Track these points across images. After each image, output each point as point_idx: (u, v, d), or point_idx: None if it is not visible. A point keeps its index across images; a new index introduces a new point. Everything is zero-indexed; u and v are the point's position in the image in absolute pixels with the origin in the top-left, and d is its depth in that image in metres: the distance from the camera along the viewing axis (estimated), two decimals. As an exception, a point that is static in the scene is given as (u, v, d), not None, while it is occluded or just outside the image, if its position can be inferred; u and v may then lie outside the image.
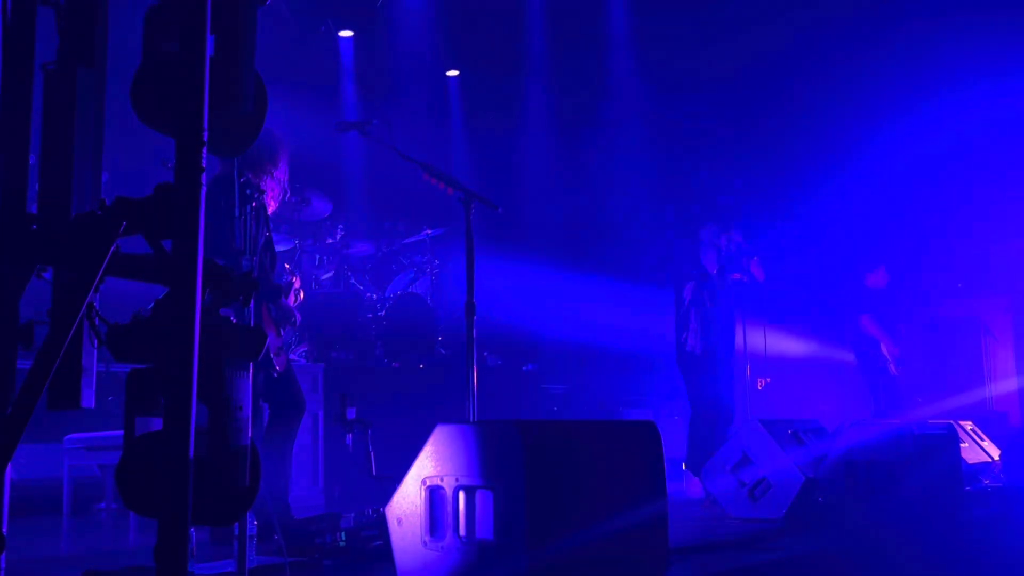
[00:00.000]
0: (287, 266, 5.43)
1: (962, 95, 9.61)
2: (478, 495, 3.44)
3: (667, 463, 3.97)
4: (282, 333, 5.01)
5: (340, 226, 8.95)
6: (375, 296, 9.14)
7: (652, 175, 10.95)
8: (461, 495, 3.50)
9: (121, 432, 2.48)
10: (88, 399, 2.54)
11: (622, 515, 3.64)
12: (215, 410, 2.48)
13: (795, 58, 10.18)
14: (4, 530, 2.43)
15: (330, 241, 8.89)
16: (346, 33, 11.28)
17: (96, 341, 2.50)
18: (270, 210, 5.07)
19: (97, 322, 2.47)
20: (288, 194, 5.28)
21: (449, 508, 3.52)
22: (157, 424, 2.41)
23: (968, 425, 7.58)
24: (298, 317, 5.14)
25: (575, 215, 11.33)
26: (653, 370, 9.53)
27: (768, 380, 9.58)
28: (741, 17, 10.29)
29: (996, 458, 7.33)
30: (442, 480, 3.57)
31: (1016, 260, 9.98)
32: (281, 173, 5.11)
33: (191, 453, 2.27)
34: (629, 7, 11.36)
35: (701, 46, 10.55)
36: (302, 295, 5.26)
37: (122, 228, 2.42)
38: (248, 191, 4.05)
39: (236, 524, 3.58)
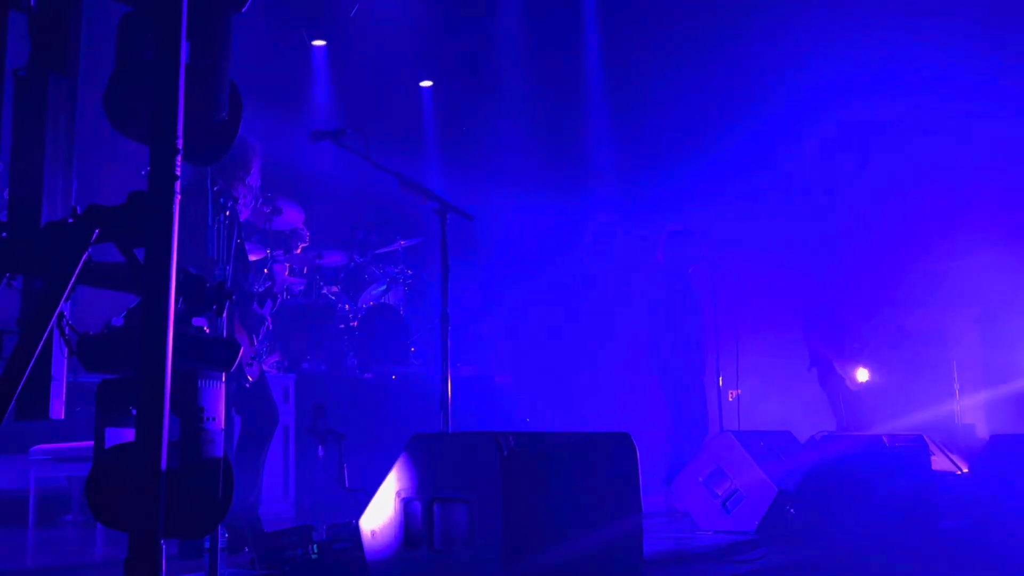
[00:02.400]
0: (265, 271, 5.39)
1: (928, 104, 9.73)
2: (453, 507, 3.42)
3: (641, 474, 3.97)
4: (255, 341, 4.97)
5: (312, 236, 8.90)
6: (348, 306, 9.10)
7: (629, 184, 10.99)
8: (436, 507, 3.48)
9: (90, 443, 2.44)
10: (57, 409, 2.50)
11: (597, 526, 3.63)
12: (187, 421, 2.45)
13: (771, 73, 10.27)
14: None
15: (302, 251, 8.83)
16: (319, 42, 11.25)
17: (66, 351, 2.47)
18: (242, 217, 5.03)
19: (67, 331, 2.44)
20: (260, 201, 5.25)
21: (424, 520, 3.49)
22: (128, 435, 2.37)
23: (937, 437, 7.65)
24: (269, 323, 5.11)
25: (551, 224, 11.34)
26: (628, 380, 9.54)
27: (739, 392, 9.62)
28: (721, 30, 10.38)
29: (965, 470, 7.39)
30: (417, 492, 3.54)
31: (982, 272, 10.09)
32: (253, 180, 5.08)
33: (162, 465, 2.24)
34: (603, 17, 11.41)
35: (679, 54, 10.61)
36: (278, 299, 5.22)
37: (94, 236, 2.39)
38: (222, 200, 4.02)
39: (207, 537, 3.54)
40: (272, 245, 8.38)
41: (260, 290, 5.05)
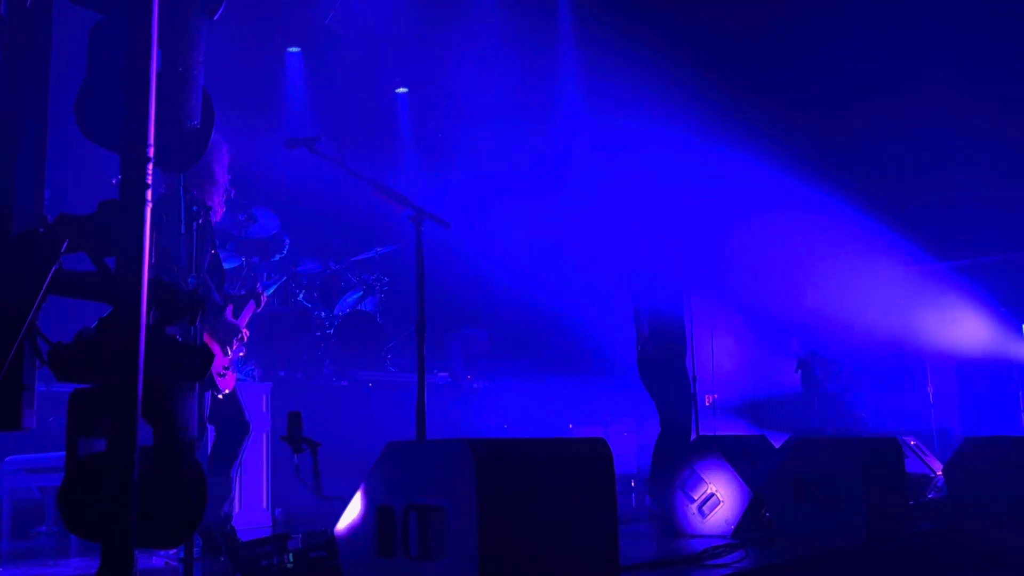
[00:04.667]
0: (249, 272, 5.34)
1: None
2: (429, 514, 3.42)
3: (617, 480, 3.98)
4: (230, 352, 4.93)
5: (287, 243, 8.88)
6: (323, 314, 9.07)
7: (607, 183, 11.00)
8: (411, 515, 3.47)
9: (63, 453, 2.43)
10: (29, 419, 2.48)
11: (573, 532, 3.63)
12: (160, 431, 2.44)
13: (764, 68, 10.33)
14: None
15: (278, 258, 8.81)
16: (294, 49, 11.22)
17: (38, 361, 2.45)
18: (216, 216, 4.97)
19: (39, 341, 2.42)
20: (232, 193, 5.15)
21: (400, 528, 3.49)
22: (100, 445, 2.36)
23: (911, 440, 7.71)
24: (246, 333, 5.07)
25: (527, 227, 11.33)
26: (603, 386, 9.55)
27: (716, 396, 9.66)
28: (698, 37, 10.44)
29: (938, 472, 7.45)
30: (392, 500, 3.54)
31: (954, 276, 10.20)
32: (222, 175, 4.99)
33: (135, 475, 2.23)
34: (582, 25, 11.44)
35: (650, 59, 10.64)
36: (264, 299, 5.17)
37: (65, 246, 2.38)
38: (194, 208, 4.00)
39: (181, 546, 3.52)
40: (248, 253, 8.36)
41: (242, 293, 5.01)
